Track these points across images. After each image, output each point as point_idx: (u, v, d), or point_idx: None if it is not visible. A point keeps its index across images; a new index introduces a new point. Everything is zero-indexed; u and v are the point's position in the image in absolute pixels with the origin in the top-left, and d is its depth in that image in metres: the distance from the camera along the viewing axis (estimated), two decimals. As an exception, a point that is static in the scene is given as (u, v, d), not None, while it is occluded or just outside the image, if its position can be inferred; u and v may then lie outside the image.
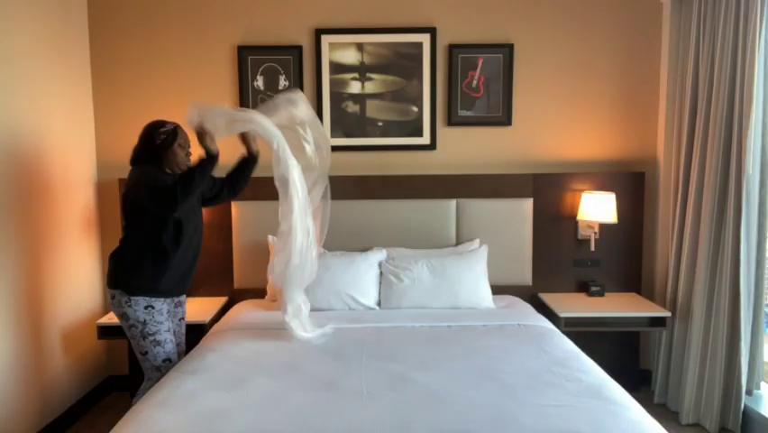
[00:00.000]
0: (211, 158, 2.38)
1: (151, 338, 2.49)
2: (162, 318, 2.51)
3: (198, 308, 3.20)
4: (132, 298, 2.45)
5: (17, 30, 2.78)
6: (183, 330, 2.78)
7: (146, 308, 2.47)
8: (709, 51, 2.97)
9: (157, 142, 2.49)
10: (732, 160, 2.85)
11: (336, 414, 1.88)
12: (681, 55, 3.23)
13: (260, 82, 3.45)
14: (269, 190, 3.38)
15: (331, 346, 2.51)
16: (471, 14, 3.45)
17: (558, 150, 3.53)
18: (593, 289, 3.38)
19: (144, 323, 2.47)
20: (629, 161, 3.53)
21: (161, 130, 2.51)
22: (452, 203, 3.42)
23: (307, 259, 2.59)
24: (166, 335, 2.53)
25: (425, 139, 3.50)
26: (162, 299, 2.52)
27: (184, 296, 2.75)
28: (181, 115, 3.45)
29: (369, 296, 3.11)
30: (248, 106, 3.45)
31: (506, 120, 3.48)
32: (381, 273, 3.19)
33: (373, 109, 3.49)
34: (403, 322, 2.83)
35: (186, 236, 2.51)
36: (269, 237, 3.31)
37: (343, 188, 3.41)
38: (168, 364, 2.51)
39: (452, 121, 3.49)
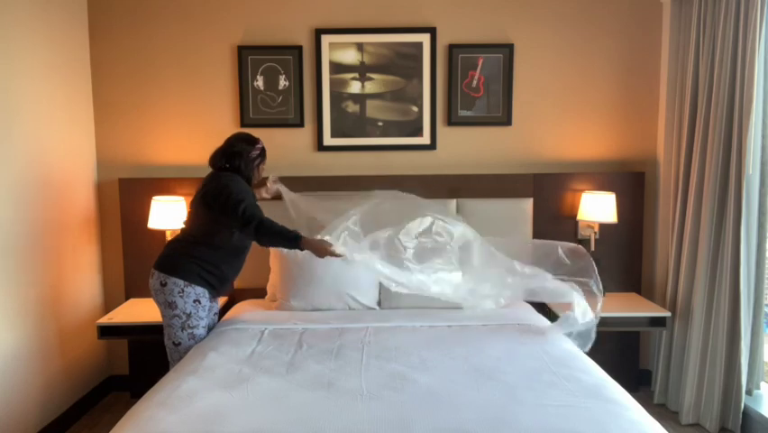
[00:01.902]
0: (297, 246, 2.48)
1: (189, 331, 2.58)
2: (204, 315, 2.62)
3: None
4: (185, 289, 2.54)
5: (17, 29, 2.78)
6: (215, 324, 2.87)
7: (194, 301, 2.57)
8: (709, 51, 2.97)
9: (252, 156, 2.67)
10: (732, 160, 2.85)
11: (336, 414, 1.88)
12: (681, 55, 3.23)
13: (260, 82, 3.45)
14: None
15: (331, 346, 2.51)
16: (471, 14, 3.45)
17: (558, 150, 3.53)
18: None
19: (189, 315, 2.56)
20: (629, 161, 3.54)
21: (257, 146, 2.70)
22: (452, 203, 3.42)
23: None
24: (203, 331, 2.63)
25: (425, 139, 3.50)
26: (209, 296, 2.63)
27: None
28: (181, 115, 3.47)
29: (369, 296, 3.11)
30: (248, 106, 3.45)
31: (506, 120, 3.48)
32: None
33: (373, 109, 3.49)
34: (403, 322, 2.83)
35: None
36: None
37: (344, 188, 3.41)
38: None
39: (452, 121, 3.49)
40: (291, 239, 2.46)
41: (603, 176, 3.45)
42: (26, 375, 2.83)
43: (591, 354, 2.50)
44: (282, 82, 3.46)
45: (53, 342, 3.06)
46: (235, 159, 2.65)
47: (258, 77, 3.45)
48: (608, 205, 3.26)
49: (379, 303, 3.13)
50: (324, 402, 1.96)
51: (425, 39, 3.43)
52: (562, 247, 2.88)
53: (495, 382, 2.12)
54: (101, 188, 3.50)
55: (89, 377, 3.40)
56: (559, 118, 3.51)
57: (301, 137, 3.51)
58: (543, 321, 2.93)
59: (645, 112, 3.51)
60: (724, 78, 2.86)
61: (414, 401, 1.96)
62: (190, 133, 3.50)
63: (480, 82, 3.47)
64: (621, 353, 3.45)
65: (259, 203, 2.64)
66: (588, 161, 3.54)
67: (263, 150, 2.74)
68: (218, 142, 3.50)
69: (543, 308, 3.24)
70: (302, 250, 2.50)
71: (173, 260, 2.58)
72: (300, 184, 3.40)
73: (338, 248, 2.51)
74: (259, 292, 3.36)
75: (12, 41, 2.74)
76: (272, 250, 3.26)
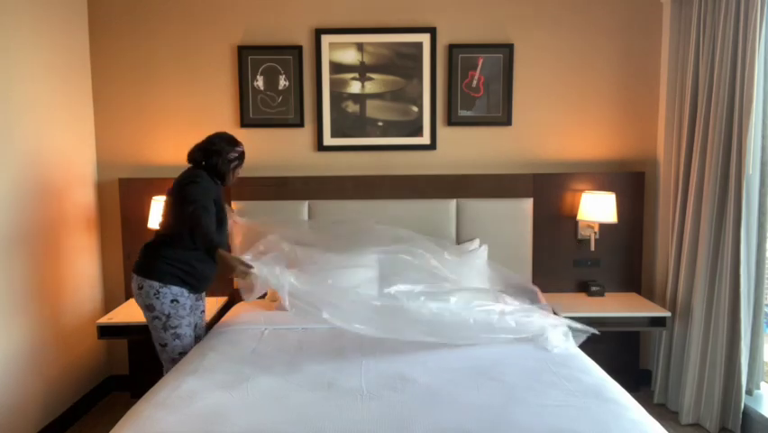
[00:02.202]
0: (212, 255, 2.51)
1: (172, 331, 2.58)
2: (185, 313, 2.60)
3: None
4: (160, 290, 2.53)
5: (17, 29, 2.78)
6: (203, 322, 2.87)
7: (172, 301, 2.55)
8: (709, 51, 2.97)
9: (230, 157, 2.67)
10: (732, 160, 2.85)
11: (336, 414, 1.88)
12: (681, 55, 3.23)
13: (260, 82, 3.45)
14: (269, 190, 3.41)
15: (331, 346, 2.51)
16: (471, 14, 3.45)
17: (558, 150, 3.53)
18: (593, 289, 3.38)
19: (168, 316, 2.55)
20: (629, 161, 3.54)
21: (237, 148, 2.70)
22: (452, 203, 3.42)
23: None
24: (186, 329, 2.61)
25: (425, 139, 3.50)
26: (188, 294, 2.61)
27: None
28: (180, 114, 3.48)
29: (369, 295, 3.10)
30: (248, 106, 3.45)
31: (506, 120, 3.48)
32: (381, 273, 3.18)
33: (373, 109, 3.49)
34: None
35: (224, 235, 2.69)
36: (269, 237, 3.30)
37: (343, 188, 3.42)
38: (183, 357, 2.55)
39: (452, 121, 3.49)
40: (209, 247, 2.47)
41: (603, 176, 3.45)
42: (26, 375, 2.83)
43: (591, 354, 2.50)
44: (282, 82, 3.46)
45: (53, 342, 3.05)
46: (213, 156, 2.65)
47: (258, 77, 3.45)
48: (607, 205, 3.26)
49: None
50: (324, 402, 1.96)
51: (425, 39, 3.43)
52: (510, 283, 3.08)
53: (495, 381, 2.12)
54: (101, 188, 3.50)
55: (89, 377, 3.40)
56: (559, 118, 3.51)
57: (301, 137, 3.51)
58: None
59: (645, 112, 3.51)
60: (724, 78, 2.86)
61: (414, 401, 1.96)
62: (190, 133, 3.47)
63: (480, 82, 3.46)
64: (621, 353, 3.45)
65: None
66: (588, 161, 3.54)
67: (242, 154, 2.74)
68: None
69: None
70: (215, 261, 2.54)
71: (147, 262, 2.58)
72: (300, 184, 3.41)
73: (253, 271, 2.45)
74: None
75: (12, 41, 2.74)
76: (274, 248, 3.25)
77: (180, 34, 3.44)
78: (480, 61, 3.45)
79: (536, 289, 3.24)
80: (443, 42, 3.45)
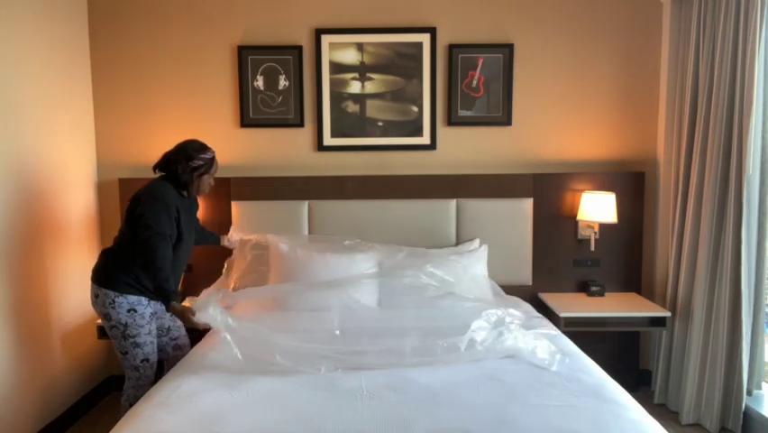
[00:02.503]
0: (166, 301, 2.38)
1: (132, 340, 2.49)
2: (144, 322, 2.50)
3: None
4: (116, 300, 2.45)
5: (18, 29, 2.78)
6: (179, 323, 2.74)
7: (129, 311, 2.46)
8: (709, 51, 2.97)
9: (193, 165, 2.53)
10: (732, 160, 2.85)
11: (336, 414, 1.88)
12: (681, 55, 3.23)
13: (260, 82, 3.45)
14: (268, 190, 3.41)
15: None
16: (471, 14, 3.45)
17: (558, 150, 3.53)
18: (593, 289, 3.38)
19: (126, 325, 2.47)
20: (629, 161, 3.54)
21: (201, 156, 2.54)
22: (452, 203, 3.42)
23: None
24: (146, 337, 2.52)
25: (425, 139, 3.50)
26: (148, 302, 2.51)
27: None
28: (180, 115, 3.48)
29: (369, 295, 3.10)
30: (248, 106, 3.45)
31: (506, 120, 3.48)
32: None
33: (373, 109, 3.49)
34: (403, 321, 2.82)
35: (183, 250, 2.57)
36: (269, 237, 3.31)
37: (343, 188, 3.42)
38: (145, 364, 2.54)
39: (452, 121, 3.49)
40: (165, 296, 2.36)
41: (603, 176, 3.45)
42: (26, 375, 2.83)
43: (591, 354, 2.49)
44: (282, 82, 3.46)
45: (53, 342, 3.05)
46: (173, 164, 2.52)
47: (258, 77, 3.45)
48: (607, 205, 3.26)
49: (379, 303, 3.12)
50: (324, 402, 1.96)
51: (425, 39, 3.43)
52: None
53: (495, 381, 2.12)
54: (101, 188, 3.50)
55: (89, 377, 3.40)
56: (559, 118, 3.51)
57: (301, 137, 3.51)
58: (543, 321, 2.93)
59: (645, 112, 3.51)
60: (724, 78, 2.86)
61: (414, 401, 1.96)
62: (190, 134, 3.46)
63: (480, 82, 3.47)
64: (621, 353, 3.45)
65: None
66: (588, 161, 3.54)
67: (210, 161, 2.58)
68: (218, 141, 3.51)
69: (543, 308, 3.24)
70: (167, 311, 2.44)
71: (104, 270, 2.51)
72: (300, 184, 3.41)
73: (200, 320, 2.32)
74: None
75: (12, 41, 2.74)
76: (273, 250, 3.26)
77: (180, 34, 3.44)
78: (480, 61, 3.45)
79: (530, 309, 3.07)
80: (443, 42, 3.45)
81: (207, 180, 2.61)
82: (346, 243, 3.24)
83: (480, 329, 2.39)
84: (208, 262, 3.39)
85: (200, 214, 3.41)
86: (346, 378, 2.16)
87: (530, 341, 2.39)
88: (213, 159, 2.60)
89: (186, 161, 2.52)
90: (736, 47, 2.81)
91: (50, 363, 3.03)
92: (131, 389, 2.57)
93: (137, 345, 2.50)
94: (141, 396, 2.47)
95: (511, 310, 2.66)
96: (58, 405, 3.09)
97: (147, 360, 2.54)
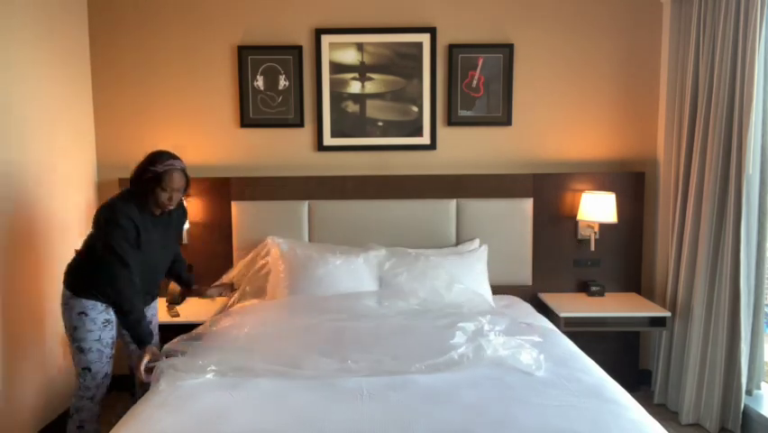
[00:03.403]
0: (140, 344, 2.35)
1: (77, 344, 2.41)
2: (94, 327, 2.40)
3: (198, 307, 3.19)
4: (69, 301, 2.40)
5: (17, 29, 2.78)
6: (154, 330, 2.65)
7: (79, 314, 2.39)
8: (709, 51, 2.97)
9: (143, 178, 2.39)
10: (732, 160, 2.85)
11: (336, 414, 1.88)
12: (681, 55, 3.23)
13: (260, 82, 3.45)
14: (268, 190, 3.41)
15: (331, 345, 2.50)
16: (471, 14, 3.45)
17: (558, 150, 3.53)
18: (593, 289, 3.38)
19: (75, 328, 2.40)
20: (629, 161, 3.54)
21: (151, 168, 2.38)
22: (452, 203, 3.42)
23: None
24: (92, 344, 2.41)
25: (425, 139, 3.50)
26: (103, 308, 2.41)
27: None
28: (180, 114, 3.47)
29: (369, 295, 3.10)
30: (248, 106, 3.45)
31: (506, 120, 3.48)
32: (381, 273, 3.18)
33: (373, 109, 3.49)
34: (403, 321, 2.81)
35: (148, 270, 2.45)
36: (269, 238, 3.31)
37: (343, 188, 3.42)
38: (86, 373, 2.43)
39: (452, 121, 3.49)
40: (140, 340, 2.32)
41: (603, 176, 3.45)
42: (27, 375, 2.83)
43: (591, 354, 2.49)
44: (282, 82, 3.46)
45: (53, 342, 3.05)
46: (133, 179, 2.43)
47: (258, 77, 3.45)
48: (607, 205, 3.26)
49: (379, 302, 3.12)
50: (324, 402, 1.96)
51: (425, 39, 3.43)
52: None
53: (495, 381, 2.12)
54: (101, 188, 3.50)
55: (89, 377, 3.40)
56: (559, 118, 3.51)
57: (301, 137, 3.51)
58: (543, 321, 2.93)
59: (645, 112, 3.51)
60: (724, 78, 2.86)
61: (414, 401, 1.96)
62: (190, 133, 3.50)
63: (480, 82, 3.46)
64: (621, 353, 3.45)
65: None
66: (588, 161, 3.54)
67: (158, 175, 2.36)
68: (218, 141, 3.52)
69: (543, 308, 3.24)
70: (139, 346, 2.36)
71: (68, 269, 2.47)
72: (300, 184, 3.41)
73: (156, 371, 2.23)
74: (258, 292, 3.35)
75: (12, 42, 2.74)
76: (272, 250, 3.26)
77: (180, 34, 3.44)
78: (480, 61, 3.45)
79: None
80: (443, 42, 3.45)
81: (161, 195, 2.39)
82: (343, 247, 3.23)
83: (457, 346, 2.31)
84: (208, 262, 3.39)
85: (200, 214, 3.42)
86: (346, 378, 2.15)
87: (513, 348, 2.32)
88: (159, 175, 2.36)
89: (141, 174, 2.40)
90: (736, 47, 2.81)
91: (51, 364, 3.03)
92: (73, 398, 2.48)
93: (81, 350, 2.40)
94: (84, 410, 2.43)
95: (490, 317, 2.59)
96: (58, 405, 3.09)
97: (89, 369, 2.42)
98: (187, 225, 3.30)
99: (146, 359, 2.31)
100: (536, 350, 2.33)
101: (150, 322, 2.62)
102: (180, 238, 2.82)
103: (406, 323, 2.64)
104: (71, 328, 2.41)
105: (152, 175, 2.36)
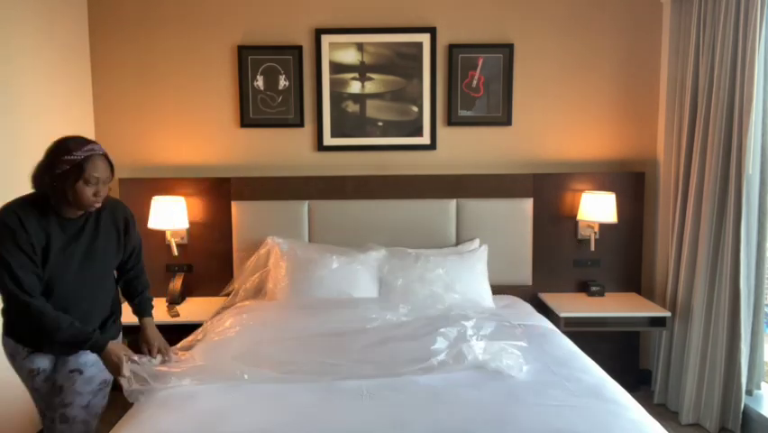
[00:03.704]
0: (94, 349, 2.00)
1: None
2: (23, 375, 2.04)
3: (198, 308, 3.20)
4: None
5: (17, 29, 2.78)
6: (78, 385, 2.03)
7: (9, 356, 2.04)
8: (709, 51, 2.97)
9: (57, 171, 1.85)
10: (732, 160, 2.85)
11: (336, 414, 1.88)
12: (681, 55, 3.23)
13: (260, 82, 3.45)
14: (268, 190, 3.41)
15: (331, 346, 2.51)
16: (471, 14, 3.45)
17: (558, 150, 3.53)
18: (593, 289, 3.38)
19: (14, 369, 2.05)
20: (629, 161, 3.54)
21: (66, 157, 1.85)
22: (452, 203, 3.42)
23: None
24: (31, 392, 2.07)
25: (425, 139, 3.50)
26: (28, 352, 2.00)
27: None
28: (180, 114, 3.47)
29: (369, 294, 3.10)
30: (248, 106, 3.45)
31: (506, 120, 3.48)
32: (381, 273, 3.18)
33: (373, 109, 3.49)
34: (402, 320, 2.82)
35: (71, 289, 1.98)
36: (269, 238, 3.31)
37: (343, 188, 3.42)
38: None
39: (452, 121, 3.49)
40: (83, 342, 1.95)
41: (603, 176, 3.45)
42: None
43: (591, 354, 2.49)
44: (282, 82, 3.46)
45: (53, 342, 3.05)
46: (37, 176, 1.91)
47: (258, 77, 3.45)
48: (607, 205, 3.26)
49: (370, 309, 3.11)
50: (324, 402, 1.96)
51: (425, 39, 3.43)
52: None
53: (495, 381, 2.12)
54: (101, 188, 3.49)
55: (89, 377, 3.40)
56: (559, 118, 3.51)
57: (301, 137, 3.51)
58: (543, 321, 2.93)
59: (645, 112, 3.51)
60: (724, 78, 2.86)
61: (414, 401, 1.96)
62: (190, 133, 3.50)
63: (480, 82, 3.46)
64: (621, 353, 3.45)
65: None
66: (588, 161, 3.54)
67: (79, 163, 1.85)
68: (218, 141, 3.52)
69: (543, 308, 3.24)
70: (99, 352, 1.99)
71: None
72: (300, 184, 3.41)
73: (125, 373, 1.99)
74: (259, 292, 3.35)
75: (12, 41, 2.74)
76: (272, 251, 3.26)
77: (180, 34, 3.44)
78: (480, 61, 3.45)
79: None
80: (443, 42, 3.45)
81: (85, 191, 1.88)
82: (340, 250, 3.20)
83: (438, 352, 2.27)
84: (208, 262, 3.40)
85: (200, 214, 3.42)
86: (346, 378, 2.15)
87: (494, 352, 2.28)
88: (80, 164, 1.85)
89: (50, 168, 1.87)
90: (736, 47, 2.81)
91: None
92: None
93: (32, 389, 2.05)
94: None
95: (475, 321, 2.54)
96: (58, 405, 3.08)
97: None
98: (186, 225, 3.32)
99: (124, 369, 2.00)
100: (518, 353, 2.29)
101: (67, 386, 2.05)
102: (134, 250, 2.26)
103: (392, 331, 2.56)
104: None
105: (70, 166, 1.84)
